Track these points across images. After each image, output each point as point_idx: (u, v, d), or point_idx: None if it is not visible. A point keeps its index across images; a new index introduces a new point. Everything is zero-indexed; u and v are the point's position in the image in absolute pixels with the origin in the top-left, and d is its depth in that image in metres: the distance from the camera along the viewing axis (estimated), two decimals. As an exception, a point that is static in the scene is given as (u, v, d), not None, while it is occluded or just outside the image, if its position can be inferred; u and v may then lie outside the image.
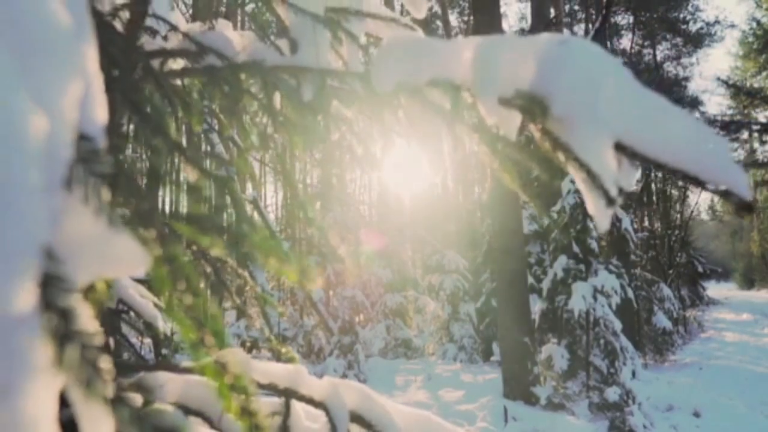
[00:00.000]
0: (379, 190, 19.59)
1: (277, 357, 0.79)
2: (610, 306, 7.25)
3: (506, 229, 7.29)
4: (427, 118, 0.57)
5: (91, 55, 0.32)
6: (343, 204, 10.74)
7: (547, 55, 0.48)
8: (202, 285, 0.35)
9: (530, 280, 9.25)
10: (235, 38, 0.81)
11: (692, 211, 22.88)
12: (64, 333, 0.23)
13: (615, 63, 0.47)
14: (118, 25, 0.72)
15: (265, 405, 0.69)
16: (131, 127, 0.78)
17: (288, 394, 0.68)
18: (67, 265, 0.25)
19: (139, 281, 1.30)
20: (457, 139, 0.55)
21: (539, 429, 6.06)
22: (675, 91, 22.71)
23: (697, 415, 7.22)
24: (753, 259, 36.32)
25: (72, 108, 0.28)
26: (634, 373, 7.29)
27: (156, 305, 1.27)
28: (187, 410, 0.64)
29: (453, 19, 22.18)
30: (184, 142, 1.10)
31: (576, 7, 22.83)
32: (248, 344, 10.01)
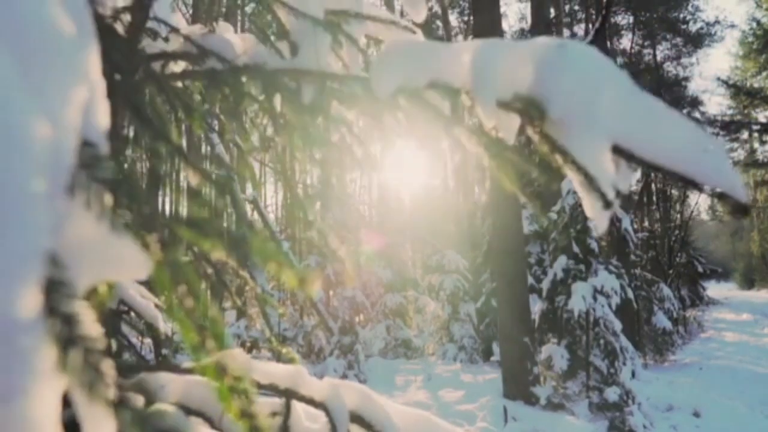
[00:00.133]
0: (379, 190, 19.59)
1: (278, 357, 0.79)
2: (610, 306, 7.25)
3: (506, 229, 7.30)
4: (426, 120, 0.57)
5: (93, 61, 0.32)
6: (343, 204, 10.73)
7: (545, 58, 0.49)
8: (203, 287, 0.35)
9: (530, 280, 9.25)
10: (235, 41, 0.81)
11: (692, 211, 22.87)
12: (67, 337, 0.23)
13: (612, 66, 0.48)
14: (120, 29, 0.72)
15: (266, 405, 0.69)
16: (131, 129, 0.79)
17: (288, 394, 0.68)
18: (70, 270, 0.25)
19: (140, 282, 1.30)
20: (456, 142, 0.55)
21: (539, 429, 6.06)
22: (675, 91, 22.69)
23: (697, 415, 7.23)
24: (753, 259, 36.32)
25: (75, 114, 0.28)
26: (634, 373, 7.29)
27: (157, 306, 1.27)
28: (188, 410, 0.65)
29: (453, 19, 22.19)
30: (184, 144, 1.11)
31: (576, 7, 22.81)
32: (248, 344, 10.02)
